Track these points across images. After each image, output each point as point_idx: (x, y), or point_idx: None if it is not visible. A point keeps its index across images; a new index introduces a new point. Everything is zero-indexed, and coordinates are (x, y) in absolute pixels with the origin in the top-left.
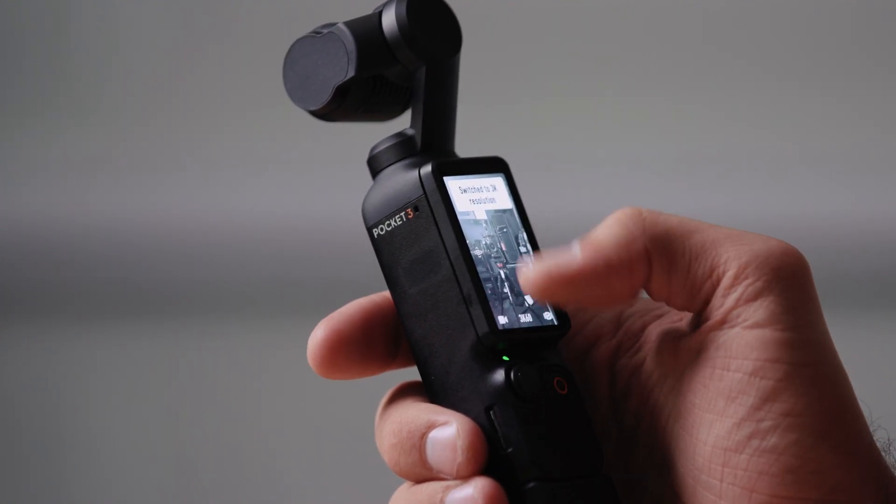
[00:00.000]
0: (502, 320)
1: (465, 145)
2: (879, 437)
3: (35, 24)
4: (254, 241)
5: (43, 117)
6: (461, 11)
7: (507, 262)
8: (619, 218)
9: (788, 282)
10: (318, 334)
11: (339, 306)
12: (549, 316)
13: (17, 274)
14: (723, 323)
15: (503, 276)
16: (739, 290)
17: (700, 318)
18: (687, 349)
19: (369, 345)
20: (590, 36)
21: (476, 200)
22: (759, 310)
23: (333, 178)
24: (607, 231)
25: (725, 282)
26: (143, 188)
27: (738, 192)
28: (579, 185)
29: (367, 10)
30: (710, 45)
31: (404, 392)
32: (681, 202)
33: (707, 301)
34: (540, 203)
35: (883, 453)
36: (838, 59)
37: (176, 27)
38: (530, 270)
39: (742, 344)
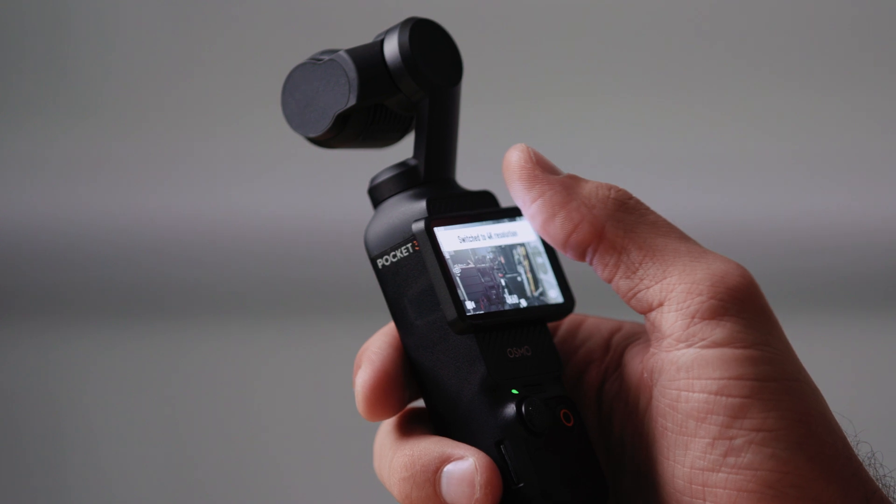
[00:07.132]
0: (511, 300)
1: (466, 151)
2: (863, 451)
3: (35, 24)
4: (253, 242)
5: (43, 117)
6: (460, 12)
7: (506, 273)
8: (606, 184)
9: (743, 302)
10: (365, 376)
11: (338, 307)
12: (554, 294)
13: (17, 274)
14: (679, 341)
15: (503, 283)
16: (693, 305)
17: (656, 334)
18: (651, 372)
19: (405, 379)
20: (588, 36)
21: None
22: (716, 328)
23: (334, 179)
24: (591, 183)
25: (678, 295)
26: (142, 188)
27: (738, 192)
28: None
29: (362, 14)
30: (708, 44)
31: (410, 421)
32: (679, 202)
33: (652, 306)
34: None
35: (867, 466)
36: (838, 59)
37: (176, 28)
38: (517, 148)
39: (703, 364)
